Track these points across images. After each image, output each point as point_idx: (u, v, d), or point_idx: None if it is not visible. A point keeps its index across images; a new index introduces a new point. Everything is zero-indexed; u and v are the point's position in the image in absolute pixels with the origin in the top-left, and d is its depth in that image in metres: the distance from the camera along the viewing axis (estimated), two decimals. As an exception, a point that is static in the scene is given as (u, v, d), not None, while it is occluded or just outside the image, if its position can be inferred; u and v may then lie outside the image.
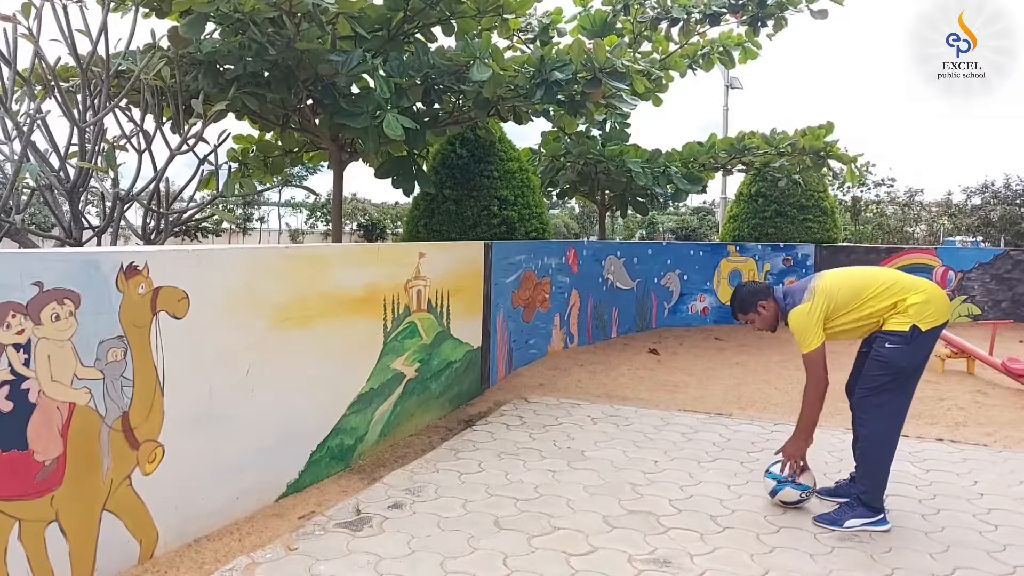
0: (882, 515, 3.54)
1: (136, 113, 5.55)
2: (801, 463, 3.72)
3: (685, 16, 9.47)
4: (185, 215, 5.53)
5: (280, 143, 7.79)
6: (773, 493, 3.76)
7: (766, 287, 3.85)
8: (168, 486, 3.03)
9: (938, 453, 4.77)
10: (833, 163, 9.86)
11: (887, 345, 3.49)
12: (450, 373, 5.49)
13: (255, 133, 7.93)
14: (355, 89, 6.54)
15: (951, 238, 30.54)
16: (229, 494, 3.37)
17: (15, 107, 4.89)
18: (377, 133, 6.05)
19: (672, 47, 9.86)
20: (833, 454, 4.70)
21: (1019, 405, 6.20)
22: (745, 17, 9.36)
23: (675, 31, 9.81)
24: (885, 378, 3.50)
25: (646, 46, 9.94)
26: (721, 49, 9.78)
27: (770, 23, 9.31)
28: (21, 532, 2.50)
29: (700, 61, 9.95)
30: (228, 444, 3.34)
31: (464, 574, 2.98)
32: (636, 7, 9.68)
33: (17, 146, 4.64)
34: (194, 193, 6.24)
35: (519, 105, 6.54)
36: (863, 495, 3.57)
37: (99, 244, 5.01)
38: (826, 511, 3.67)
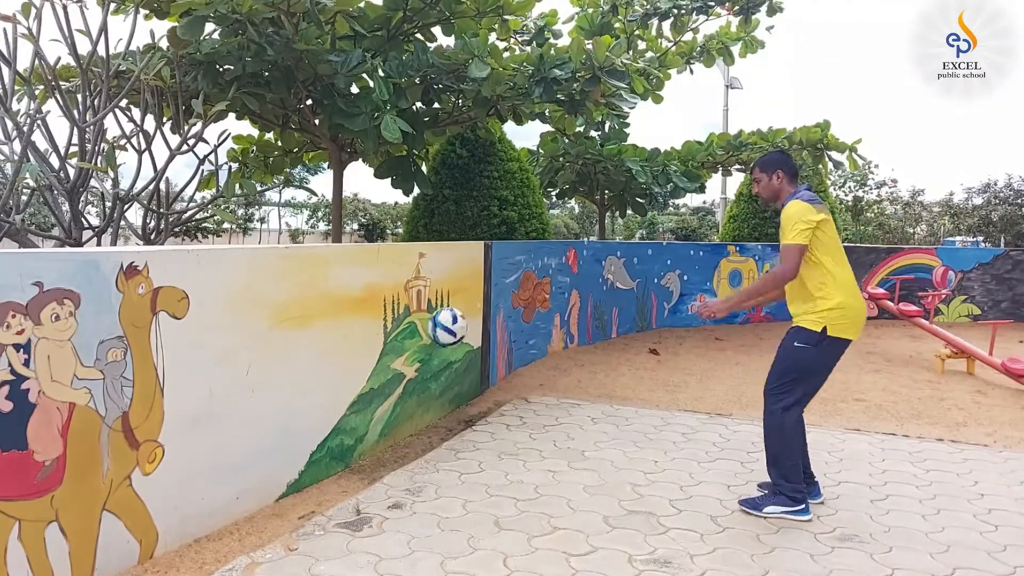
0: (804, 505, 3.60)
1: (136, 113, 5.56)
2: (713, 315, 3.77)
3: (674, 10, 9.46)
4: (185, 215, 5.53)
5: (280, 143, 7.79)
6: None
7: (797, 174, 3.87)
8: (168, 486, 3.03)
9: (938, 453, 4.77)
10: (835, 155, 9.82)
11: (795, 343, 3.63)
12: (450, 373, 5.49)
13: (255, 133, 7.93)
14: (355, 89, 6.55)
15: (951, 238, 30.52)
16: (229, 494, 3.37)
17: (15, 107, 4.90)
18: (376, 134, 6.05)
19: (666, 44, 9.86)
20: (833, 454, 4.69)
21: (1019, 405, 6.20)
22: (735, 7, 9.35)
23: (666, 26, 9.80)
24: (791, 372, 3.63)
25: (641, 46, 9.94)
26: (720, 44, 9.78)
27: (763, 9, 9.29)
28: (21, 532, 2.49)
29: (699, 56, 9.95)
30: (228, 444, 3.34)
31: (464, 574, 2.98)
32: (624, 6, 9.67)
33: (17, 146, 4.64)
34: (194, 193, 6.24)
35: (518, 104, 6.54)
36: (777, 484, 3.66)
37: (99, 244, 5.01)
38: (753, 496, 3.77)
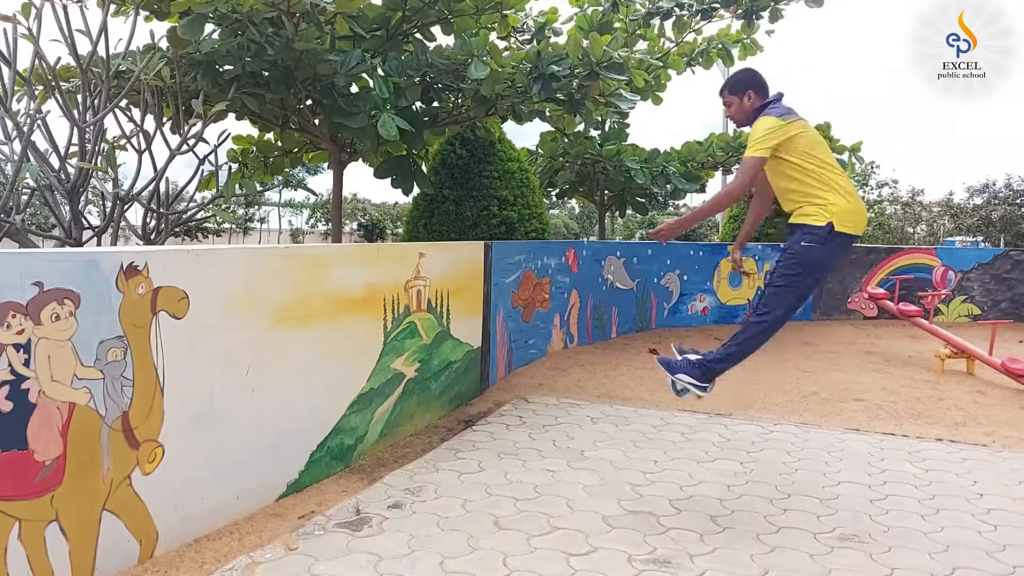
0: (709, 385, 3.69)
1: (136, 113, 5.56)
2: (664, 239, 3.72)
3: (676, 10, 9.46)
4: (186, 215, 5.53)
5: (280, 143, 7.79)
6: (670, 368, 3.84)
7: (766, 89, 3.77)
8: (168, 486, 3.04)
9: (938, 453, 4.77)
10: (835, 157, 9.83)
11: (802, 244, 3.54)
12: (450, 373, 5.49)
13: (255, 133, 7.93)
14: (354, 89, 6.55)
15: (951, 238, 30.54)
16: (229, 494, 3.37)
17: (15, 107, 4.90)
18: (375, 133, 6.05)
19: (668, 45, 9.86)
20: (832, 454, 4.70)
21: (1019, 405, 6.20)
22: (739, 11, 9.35)
23: (668, 26, 9.80)
24: (795, 270, 3.55)
25: (641, 45, 9.94)
26: (720, 46, 9.78)
27: (765, 15, 9.29)
28: (21, 532, 2.50)
29: (699, 59, 9.95)
30: (228, 444, 3.34)
31: (464, 574, 2.98)
32: (625, 5, 9.67)
33: (17, 146, 4.65)
34: (194, 193, 6.24)
35: (518, 103, 6.54)
36: (708, 359, 3.67)
37: (99, 244, 5.02)
38: (671, 357, 3.80)
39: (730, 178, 19.92)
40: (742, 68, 3.94)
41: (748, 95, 3.73)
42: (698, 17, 9.57)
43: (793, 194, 3.64)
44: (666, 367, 3.72)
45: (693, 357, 3.78)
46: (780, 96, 3.77)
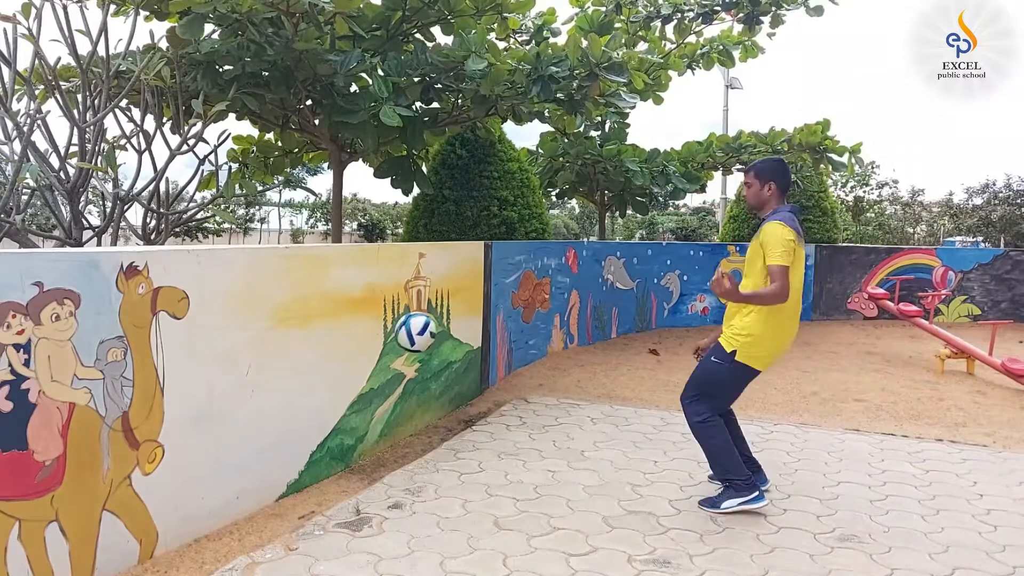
0: (757, 492, 3.65)
1: (136, 113, 5.56)
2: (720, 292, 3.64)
3: (677, 14, 9.47)
4: (186, 215, 5.53)
5: (280, 143, 7.79)
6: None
7: (788, 189, 3.85)
8: (168, 486, 3.04)
9: (938, 453, 4.77)
10: (835, 157, 9.82)
11: (712, 359, 3.74)
12: (450, 373, 5.49)
13: (255, 133, 7.93)
14: (354, 89, 6.55)
15: (951, 238, 30.55)
16: (229, 494, 3.37)
17: (15, 107, 4.90)
18: (375, 130, 6.04)
19: (668, 47, 9.86)
20: (832, 454, 4.70)
21: (1019, 405, 6.20)
22: (740, 15, 9.36)
23: (669, 29, 9.81)
24: (706, 384, 3.75)
25: (642, 46, 9.94)
26: (720, 48, 9.78)
27: (766, 20, 9.30)
28: (21, 532, 2.50)
29: (700, 61, 9.95)
30: (228, 444, 3.34)
31: (464, 574, 2.98)
32: (627, 7, 9.68)
33: (17, 146, 4.64)
34: (194, 193, 6.24)
35: (517, 103, 6.54)
36: (725, 480, 3.71)
37: (99, 244, 5.01)
38: (710, 495, 3.80)
39: (730, 179, 19.57)
40: (774, 158, 3.95)
41: (770, 186, 3.79)
42: (699, 21, 9.57)
43: (730, 306, 3.79)
44: (711, 506, 3.70)
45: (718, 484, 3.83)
46: (795, 209, 3.84)
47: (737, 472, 3.68)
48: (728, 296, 3.58)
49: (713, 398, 3.77)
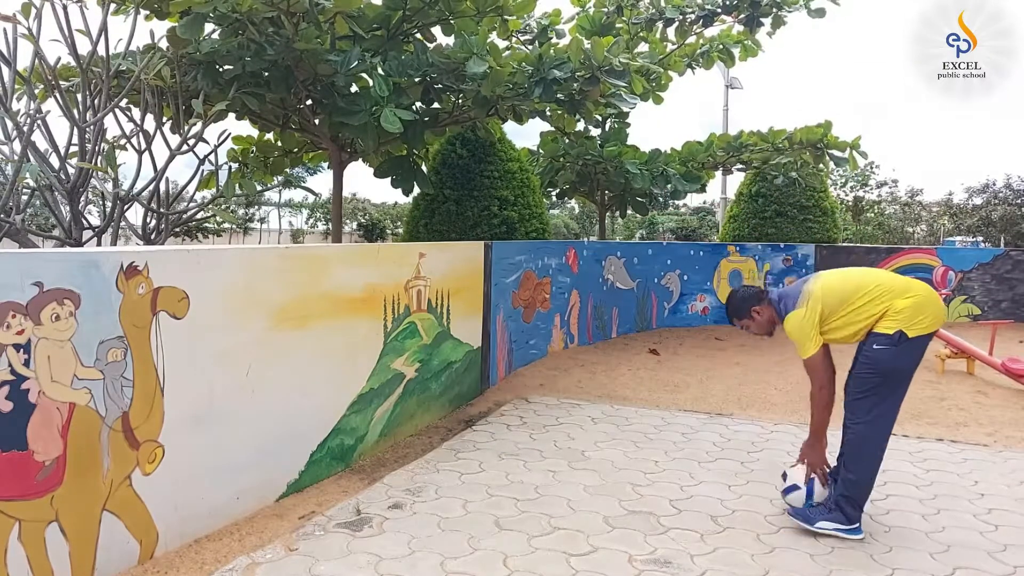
0: (857, 524, 3.42)
1: (136, 113, 5.56)
2: (826, 469, 3.59)
3: (680, 16, 9.46)
4: (186, 215, 5.53)
5: (280, 143, 7.79)
6: (786, 492, 3.66)
7: (759, 292, 3.77)
8: (168, 486, 3.03)
9: (938, 453, 4.76)
10: (836, 153, 9.80)
11: (875, 346, 3.41)
12: (450, 373, 5.49)
13: (255, 133, 7.93)
14: (354, 88, 6.55)
15: (951, 238, 30.54)
16: (229, 494, 3.36)
17: (15, 107, 4.90)
18: (376, 131, 6.04)
19: (669, 47, 9.86)
20: (833, 454, 4.68)
21: (1019, 405, 6.20)
22: (741, 16, 9.36)
23: (671, 31, 9.81)
24: (874, 380, 3.40)
25: (643, 47, 9.93)
26: (721, 47, 9.77)
27: (767, 21, 9.30)
28: (21, 532, 2.49)
29: (700, 60, 9.94)
30: (228, 444, 3.34)
31: (464, 574, 2.97)
32: (629, 8, 9.67)
33: (17, 146, 4.64)
34: (194, 193, 6.23)
35: (518, 104, 6.54)
36: (842, 499, 3.44)
37: (99, 244, 5.01)
38: (803, 508, 3.60)
39: (730, 178, 19.49)
40: (729, 294, 3.87)
41: (754, 311, 3.72)
42: (700, 23, 9.57)
43: (861, 331, 3.52)
44: (804, 520, 3.46)
45: (820, 491, 3.56)
46: (775, 290, 3.76)
47: (859, 499, 3.43)
48: (818, 441, 3.54)
49: (890, 386, 3.40)
